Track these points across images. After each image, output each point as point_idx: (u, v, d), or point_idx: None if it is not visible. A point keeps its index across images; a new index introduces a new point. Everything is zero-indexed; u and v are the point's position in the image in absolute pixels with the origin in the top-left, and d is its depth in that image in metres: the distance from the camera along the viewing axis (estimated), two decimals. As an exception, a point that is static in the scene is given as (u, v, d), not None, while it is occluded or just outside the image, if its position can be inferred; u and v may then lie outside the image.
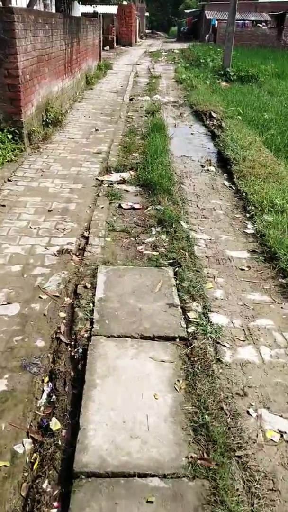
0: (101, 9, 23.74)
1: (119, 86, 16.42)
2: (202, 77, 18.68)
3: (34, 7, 12.16)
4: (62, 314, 3.79)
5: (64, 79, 11.55)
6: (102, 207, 5.88)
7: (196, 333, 3.51)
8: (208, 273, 4.49)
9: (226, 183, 7.23)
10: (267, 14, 41.92)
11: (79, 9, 20.48)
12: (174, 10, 65.29)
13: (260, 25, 37.11)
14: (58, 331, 3.58)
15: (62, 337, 3.48)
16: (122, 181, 6.90)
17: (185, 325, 3.59)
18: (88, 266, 4.47)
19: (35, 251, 4.78)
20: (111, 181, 6.88)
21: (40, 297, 3.99)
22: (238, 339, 3.55)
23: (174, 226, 5.34)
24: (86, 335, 3.47)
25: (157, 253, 4.80)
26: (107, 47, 32.79)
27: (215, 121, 11.14)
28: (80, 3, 19.98)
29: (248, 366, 3.28)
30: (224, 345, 3.47)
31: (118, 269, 4.37)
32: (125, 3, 40.89)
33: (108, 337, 3.40)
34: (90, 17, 17.78)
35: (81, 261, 4.61)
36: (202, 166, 8.05)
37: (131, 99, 13.92)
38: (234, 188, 6.98)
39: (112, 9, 37.18)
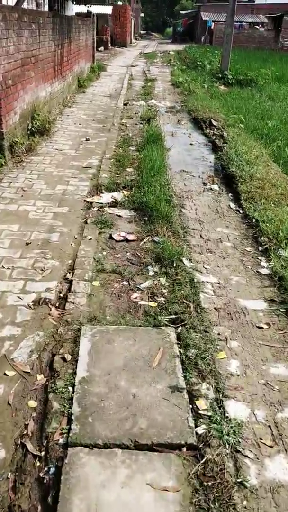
0: (96, 9, 22.76)
1: (113, 90, 15.49)
2: (200, 80, 17.79)
3: (26, 6, 11.22)
4: (32, 403, 2.87)
5: (54, 83, 10.61)
6: (90, 239, 4.96)
7: (209, 436, 2.61)
8: (219, 334, 3.59)
9: (232, 205, 6.33)
10: (263, 16, 41.15)
11: (73, 9, 19.53)
12: (170, 11, 64.27)
13: (257, 27, 36.32)
14: (25, 431, 2.66)
15: (28, 445, 2.56)
16: (114, 204, 5.98)
17: (193, 423, 2.68)
18: (70, 324, 3.56)
19: (5, 301, 3.85)
20: (101, 203, 5.96)
21: (5, 374, 3.07)
22: (264, 443, 2.65)
23: (175, 264, 4.44)
24: (61, 441, 2.56)
25: (155, 304, 3.89)
26: (101, 48, 31.82)
27: (215, 130, 10.24)
28: (74, 2, 19.05)
29: (281, 493, 2.38)
30: (247, 456, 2.56)
31: (106, 330, 3.46)
32: (120, 3, 39.95)
33: (91, 447, 2.48)
34: (83, 17, 16.82)
35: (61, 316, 3.69)
36: (204, 184, 7.15)
37: (125, 104, 12.99)
38: (241, 212, 6.08)
39: (107, 10, 36.21)
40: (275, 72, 19.11)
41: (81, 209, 5.81)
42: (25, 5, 10.60)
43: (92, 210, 5.75)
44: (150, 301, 3.96)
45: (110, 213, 5.71)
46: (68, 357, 3.19)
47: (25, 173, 6.94)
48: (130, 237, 5.08)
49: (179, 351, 3.29)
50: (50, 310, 3.77)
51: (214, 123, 10.67)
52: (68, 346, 3.31)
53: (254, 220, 5.61)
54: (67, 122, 10.40)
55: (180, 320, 3.63)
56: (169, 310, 3.79)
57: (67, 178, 6.88)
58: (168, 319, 3.66)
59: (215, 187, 6.99)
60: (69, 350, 3.26)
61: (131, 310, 3.81)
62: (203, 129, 10.70)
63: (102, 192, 6.34)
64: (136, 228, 5.35)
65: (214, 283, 4.35)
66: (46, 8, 15.30)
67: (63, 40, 11.67)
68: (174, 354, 3.25)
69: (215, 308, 3.93)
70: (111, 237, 5.08)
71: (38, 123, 8.55)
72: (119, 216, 5.66)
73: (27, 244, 4.82)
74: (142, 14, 66.47)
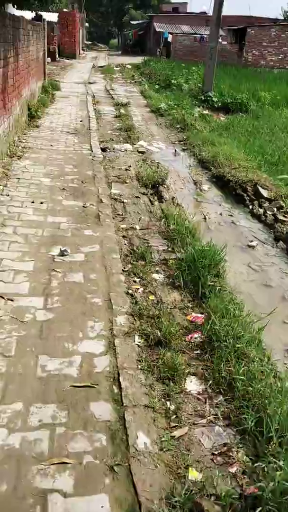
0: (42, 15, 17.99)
1: (77, 121, 10.79)
2: (184, 105, 13.42)
3: None
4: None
5: (-8, 127, 5.85)
6: None
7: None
8: None
9: None
10: (220, 29, 37.63)
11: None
12: (118, 21, 59.74)
13: (220, 40, 32.62)
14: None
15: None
16: None
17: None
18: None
19: None
20: None
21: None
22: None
23: None
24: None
25: None
26: (49, 59, 26.81)
27: (275, 209, 5.87)
28: (15, 6, 14.16)
29: None
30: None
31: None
32: (65, 10, 35.04)
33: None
34: (32, 21, 12.00)
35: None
36: None
37: (103, 150, 8.37)
38: None
39: (53, 17, 31.27)
40: (276, 96, 15.07)
41: None
42: None
43: None
44: None
45: None
46: None
47: None
48: None
49: None
50: None
51: (263, 192, 6.31)
52: None
53: None
54: (19, 198, 5.66)
55: None
56: None
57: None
58: None
59: None
60: None
61: None
62: (244, 203, 6.34)
63: None
64: None
65: None
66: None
67: (8, 53, 6.93)
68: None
69: None
70: None
71: None
72: None
73: None
74: (87, 24, 61.57)
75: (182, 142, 9.49)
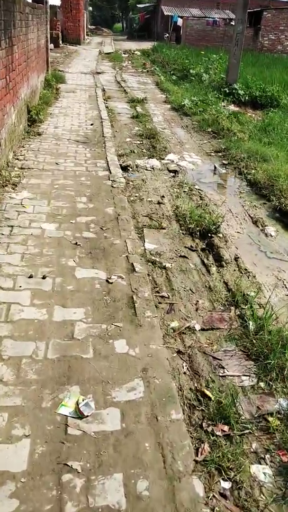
0: None
1: (87, 124, 8.68)
2: (211, 100, 11.25)
3: None
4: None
5: None
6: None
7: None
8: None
9: None
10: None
11: None
12: (123, 4, 56.33)
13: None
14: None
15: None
16: None
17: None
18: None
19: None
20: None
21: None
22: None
23: None
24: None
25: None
26: (52, 46, 24.43)
27: None
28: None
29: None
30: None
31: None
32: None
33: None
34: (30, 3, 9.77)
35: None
36: None
37: (124, 169, 6.30)
38: None
39: (55, 0, 28.72)
40: None
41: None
42: None
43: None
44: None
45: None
46: None
47: None
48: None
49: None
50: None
51: None
52: None
53: None
54: (10, 269, 3.66)
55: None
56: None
57: None
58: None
59: None
60: None
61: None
62: None
63: None
64: None
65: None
66: None
67: (-6, 44, 4.84)
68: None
69: None
70: None
71: None
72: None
73: None
74: (90, 8, 58.38)
75: (220, 154, 7.39)
